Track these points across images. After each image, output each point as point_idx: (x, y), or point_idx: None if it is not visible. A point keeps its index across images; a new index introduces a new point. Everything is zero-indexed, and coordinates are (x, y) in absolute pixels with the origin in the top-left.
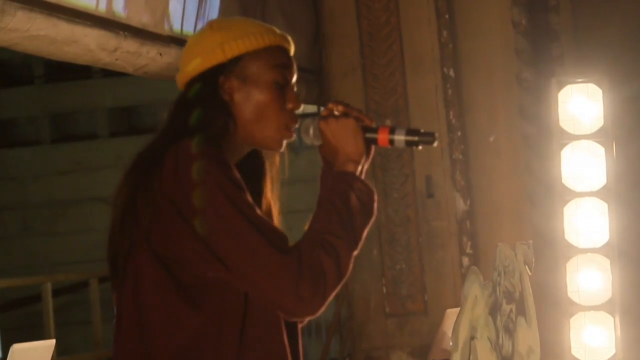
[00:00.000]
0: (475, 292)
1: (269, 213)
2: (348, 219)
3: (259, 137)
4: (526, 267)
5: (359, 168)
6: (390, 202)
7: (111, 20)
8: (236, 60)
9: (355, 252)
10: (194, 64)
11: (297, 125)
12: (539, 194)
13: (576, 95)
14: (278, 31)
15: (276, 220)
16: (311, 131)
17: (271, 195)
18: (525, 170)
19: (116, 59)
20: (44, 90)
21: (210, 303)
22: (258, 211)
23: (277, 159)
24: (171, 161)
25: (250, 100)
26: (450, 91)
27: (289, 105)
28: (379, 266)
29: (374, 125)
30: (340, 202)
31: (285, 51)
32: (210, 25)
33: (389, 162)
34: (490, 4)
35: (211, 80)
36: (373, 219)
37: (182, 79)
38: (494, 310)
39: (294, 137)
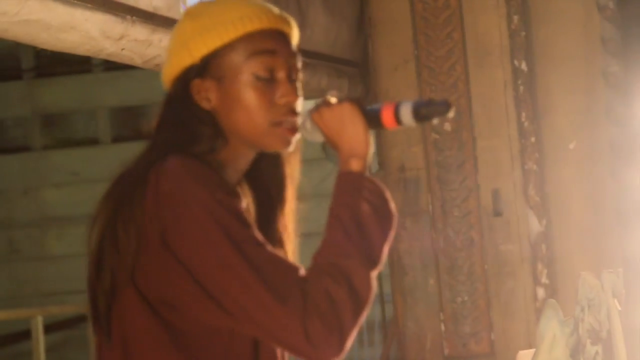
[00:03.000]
0: (553, 330)
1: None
2: (358, 233)
3: (252, 140)
4: (615, 300)
5: (365, 163)
6: (450, 221)
7: (117, 2)
8: (208, 58)
9: (376, 270)
10: (167, 68)
11: (297, 119)
12: (630, 212)
13: None
14: (273, 12)
15: (290, 227)
16: (308, 126)
17: (292, 200)
18: (613, 183)
19: (122, 49)
20: (34, 87)
21: (215, 356)
22: (258, 238)
23: (293, 158)
24: (153, 183)
25: (230, 103)
26: (522, 88)
27: (281, 100)
28: (436, 299)
29: (376, 106)
30: (346, 215)
31: (273, 35)
32: (187, 11)
33: (448, 173)
34: None
35: (183, 87)
36: (394, 224)
37: (164, 83)
38: (576, 352)
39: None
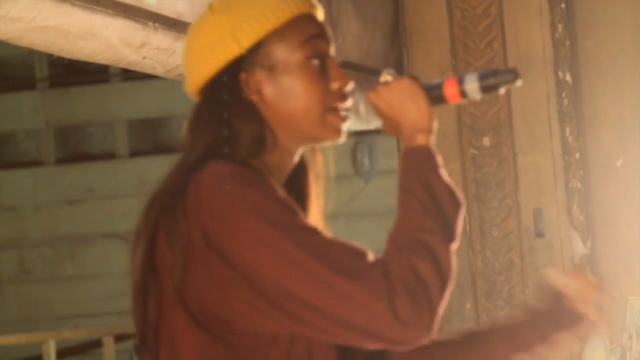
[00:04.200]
0: (599, 358)
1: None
2: (434, 207)
3: (307, 131)
4: None
5: (430, 137)
6: (489, 242)
7: (138, 7)
8: (256, 48)
9: (455, 246)
10: (203, 65)
11: (349, 105)
12: None
13: None
14: None
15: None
16: (362, 109)
17: (316, 199)
18: None
19: (143, 57)
20: (48, 97)
21: None
22: (313, 228)
23: (318, 155)
24: (193, 192)
25: (285, 92)
26: (566, 101)
27: (335, 85)
28: (473, 324)
29: (435, 81)
30: (420, 188)
31: (312, 18)
32: (211, 7)
33: (487, 191)
34: None
35: (231, 81)
36: (462, 198)
37: (192, 86)
38: None
39: (347, 121)
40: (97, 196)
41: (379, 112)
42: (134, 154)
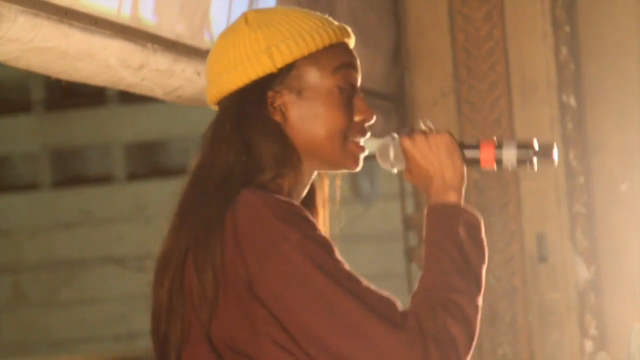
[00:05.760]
0: None
1: None
2: (465, 265)
3: (326, 158)
4: None
5: (462, 195)
6: (492, 267)
7: (137, 29)
8: (287, 69)
9: (480, 300)
10: (231, 76)
11: (367, 137)
12: None
13: None
14: (335, 23)
15: None
16: (392, 153)
17: (322, 223)
18: None
19: (142, 79)
20: (45, 120)
21: None
22: (353, 273)
23: (325, 180)
24: (231, 227)
25: (309, 117)
26: (570, 125)
27: (358, 117)
28: (475, 350)
29: (472, 141)
30: (452, 246)
31: (346, 47)
32: (246, 19)
33: (490, 215)
34: (625, 13)
35: (257, 97)
36: (487, 255)
37: (214, 94)
38: None
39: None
40: (94, 220)
41: (411, 160)
42: (132, 177)
